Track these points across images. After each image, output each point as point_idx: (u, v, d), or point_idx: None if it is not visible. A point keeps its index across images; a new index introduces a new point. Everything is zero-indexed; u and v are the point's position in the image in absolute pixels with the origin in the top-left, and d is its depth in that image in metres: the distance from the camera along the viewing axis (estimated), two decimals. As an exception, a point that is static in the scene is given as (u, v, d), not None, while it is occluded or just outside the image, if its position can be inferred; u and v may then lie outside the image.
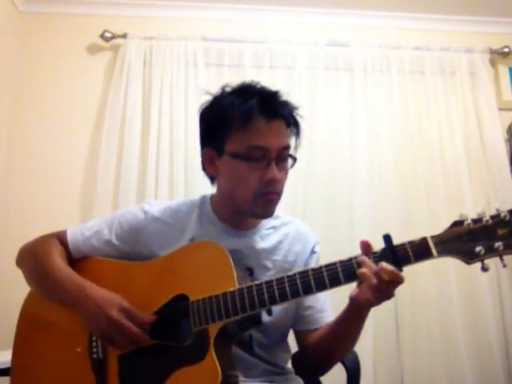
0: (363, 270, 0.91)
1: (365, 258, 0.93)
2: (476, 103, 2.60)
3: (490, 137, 2.53)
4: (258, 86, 1.12)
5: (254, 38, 2.55)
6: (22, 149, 2.40)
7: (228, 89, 1.13)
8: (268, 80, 2.45)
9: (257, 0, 2.61)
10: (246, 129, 1.05)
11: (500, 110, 2.60)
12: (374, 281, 0.89)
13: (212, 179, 1.19)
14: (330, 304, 1.21)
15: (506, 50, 2.68)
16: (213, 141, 1.12)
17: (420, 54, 2.61)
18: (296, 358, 1.23)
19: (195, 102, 2.39)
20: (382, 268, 0.89)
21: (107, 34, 2.50)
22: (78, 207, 2.35)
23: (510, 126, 2.61)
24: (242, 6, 2.63)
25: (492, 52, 2.68)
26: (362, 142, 2.45)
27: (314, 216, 2.32)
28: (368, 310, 1.00)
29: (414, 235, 2.45)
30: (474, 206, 2.38)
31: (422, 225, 2.34)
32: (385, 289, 0.91)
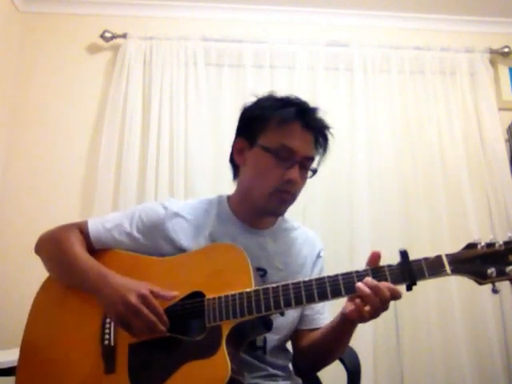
0: (366, 290, 0.93)
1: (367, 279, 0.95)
2: (476, 103, 2.60)
3: (490, 137, 2.53)
4: (301, 100, 1.20)
5: (254, 38, 2.55)
6: (21, 149, 2.41)
7: (274, 95, 1.21)
8: (268, 80, 2.46)
9: (257, 0, 2.61)
10: (282, 128, 1.13)
11: (500, 110, 2.60)
12: (375, 299, 0.93)
13: (235, 174, 1.25)
14: (328, 307, 1.25)
15: (506, 50, 2.68)
16: (248, 132, 1.19)
17: (420, 53, 2.62)
18: (294, 359, 1.26)
19: (195, 102, 2.40)
20: (384, 285, 0.93)
21: (107, 34, 2.50)
22: (78, 207, 2.35)
23: (510, 126, 2.61)
24: (241, 5, 2.63)
25: (492, 52, 2.68)
26: (362, 142, 2.45)
27: (314, 216, 2.31)
28: (357, 324, 1.04)
29: (414, 235, 2.44)
30: (473, 206, 2.39)
31: (422, 225, 2.33)
32: (383, 305, 0.94)
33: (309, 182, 2.35)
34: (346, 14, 2.70)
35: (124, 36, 2.49)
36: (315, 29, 2.68)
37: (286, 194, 1.14)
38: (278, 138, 1.13)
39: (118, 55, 2.48)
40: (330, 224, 2.33)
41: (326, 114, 1.22)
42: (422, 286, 2.46)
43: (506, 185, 2.46)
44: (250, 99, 1.22)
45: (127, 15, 2.60)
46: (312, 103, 1.22)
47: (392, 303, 2.49)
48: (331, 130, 1.22)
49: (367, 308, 0.94)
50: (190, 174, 2.31)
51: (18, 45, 2.50)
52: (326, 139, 1.21)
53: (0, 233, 2.28)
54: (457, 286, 2.28)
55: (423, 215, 2.36)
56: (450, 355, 2.22)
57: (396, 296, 0.93)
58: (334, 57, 2.58)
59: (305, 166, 1.16)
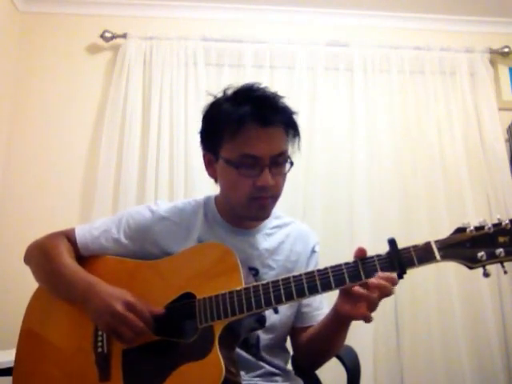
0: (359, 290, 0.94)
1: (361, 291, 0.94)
2: (476, 103, 2.60)
3: (490, 137, 2.53)
4: (257, 89, 1.12)
5: (254, 38, 2.55)
6: (21, 149, 2.40)
7: (229, 91, 1.13)
8: (268, 80, 2.46)
9: (257, 0, 2.61)
10: (237, 137, 1.06)
11: (500, 110, 2.60)
12: (374, 296, 0.93)
13: (215, 179, 1.20)
14: (326, 301, 1.24)
15: (506, 50, 2.68)
16: (209, 145, 1.15)
17: (420, 54, 2.62)
18: (294, 358, 1.26)
19: (195, 102, 2.40)
20: (386, 278, 0.92)
21: (107, 34, 2.50)
22: (78, 207, 2.35)
23: (510, 126, 2.61)
24: (242, 5, 2.63)
25: (492, 52, 2.68)
26: (361, 142, 2.45)
27: (314, 216, 2.31)
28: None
29: (415, 235, 2.45)
30: (473, 206, 2.39)
31: (422, 225, 2.34)
32: (382, 297, 0.93)
33: (309, 182, 2.38)
34: (345, 14, 2.70)
35: (124, 36, 2.49)
36: (315, 29, 2.68)
37: (262, 200, 1.09)
38: (237, 148, 1.06)
39: (117, 55, 2.48)
40: (330, 224, 2.33)
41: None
42: (422, 285, 2.45)
43: (506, 185, 2.46)
44: (207, 99, 1.16)
45: (127, 15, 2.60)
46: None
47: (393, 304, 2.47)
48: (296, 116, 1.13)
49: (364, 305, 0.94)
50: (189, 174, 2.31)
51: (17, 45, 2.50)
52: (293, 127, 1.12)
53: (0, 232, 2.29)
54: (457, 285, 2.28)
55: (423, 215, 2.36)
56: (449, 355, 2.23)
57: (394, 282, 0.93)
58: (333, 57, 2.58)
59: (277, 162, 1.08)
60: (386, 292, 0.92)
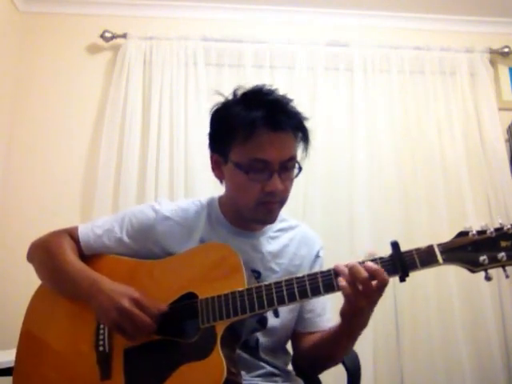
0: (341, 280, 0.93)
1: (340, 267, 0.94)
2: (476, 103, 2.60)
3: (490, 137, 2.53)
4: (268, 93, 1.11)
5: (254, 38, 2.55)
6: (22, 149, 2.40)
7: (239, 92, 1.13)
8: (268, 80, 2.46)
9: (257, 0, 2.61)
10: (248, 141, 1.05)
11: (500, 110, 2.60)
12: (359, 287, 0.92)
13: (221, 180, 1.20)
14: (329, 307, 1.23)
15: (506, 50, 2.69)
16: (218, 148, 1.14)
17: (420, 54, 2.62)
18: (294, 359, 1.25)
19: (195, 102, 2.40)
20: (367, 266, 0.92)
21: (107, 34, 2.50)
22: (78, 207, 2.35)
23: (510, 126, 2.61)
24: (242, 5, 2.63)
25: (492, 52, 2.68)
26: (361, 142, 2.45)
27: (314, 216, 2.31)
28: (362, 315, 0.99)
29: (414, 235, 2.44)
30: (473, 206, 2.39)
31: (422, 225, 2.33)
32: (370, 290, 0.92)
33: (309, 182, 2.39)
34: (346, 14, 2.70)
35: (124, 36, 2.50)
36: (315, 29, 2.68)
37: (270, 205, 1.09)
38: (247, 152, 1.05)
39: (117, 55, 2.48)
40: (330, 224, 2.33)
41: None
42: (422, 285, 2.45)
43: (506, 185, 2.46)
44: (208, 99, 1.16)
45: (127, 15, 2.60)
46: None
47: (393, 304, 2.47)
48: (307, 121, 1.13)
49: (354, 295, 0.92)
50: (189, 174, 2.31)
51: (17, 45, 2.50)
52: (304, 133, 1.12)
53: (0, 232, 2.29)
54: (457, 285, 2.28)
55: (423, 215, 2.36)
56: (449, 355, 2.22)
57: (378, 276, 0.91)
58: (333, 57, 2.58)
59: (286, 167, 1.08)
60: (359, 278, 0.91)
